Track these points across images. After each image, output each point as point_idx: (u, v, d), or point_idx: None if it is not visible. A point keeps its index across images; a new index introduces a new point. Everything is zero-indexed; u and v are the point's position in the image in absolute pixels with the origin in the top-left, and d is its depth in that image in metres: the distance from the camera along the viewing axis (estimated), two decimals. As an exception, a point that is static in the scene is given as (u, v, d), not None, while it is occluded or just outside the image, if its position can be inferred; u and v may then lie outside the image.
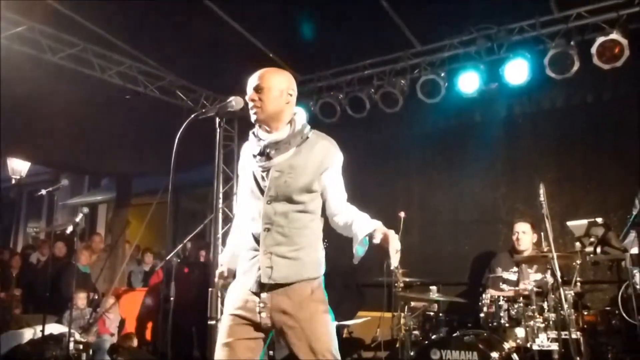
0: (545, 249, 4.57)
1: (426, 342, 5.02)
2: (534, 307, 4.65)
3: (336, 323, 5.41)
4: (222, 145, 7.76)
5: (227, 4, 5.79)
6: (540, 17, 5.79)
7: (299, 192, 2.55)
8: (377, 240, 2.46)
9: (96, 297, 7.26)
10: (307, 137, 2.62)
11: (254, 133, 2.66)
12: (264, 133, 2.61)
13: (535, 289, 4.73)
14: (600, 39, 5.43)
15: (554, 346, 4.44)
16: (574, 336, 4.36)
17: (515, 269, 5.33)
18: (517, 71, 5.94)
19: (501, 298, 4.89)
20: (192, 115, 2.46)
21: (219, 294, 2.43)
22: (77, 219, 5.74)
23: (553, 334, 4.49)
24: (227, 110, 2.51)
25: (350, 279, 6.34)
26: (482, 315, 4.98)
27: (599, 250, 3.91)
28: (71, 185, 13.88)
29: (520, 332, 4.73)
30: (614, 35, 5.36)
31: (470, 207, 6.85)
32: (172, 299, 5.68)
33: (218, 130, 2.49)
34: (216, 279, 2.60)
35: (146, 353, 7.01)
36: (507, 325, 4.82)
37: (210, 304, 2.22)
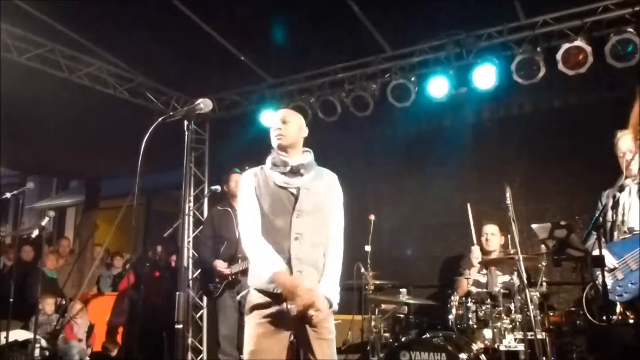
0: (512, 251, 4.64)
1: (396, 344, 5.06)
2: (501, 308, 4.73)
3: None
4: (194, 148, 7.76)
5: (198, 6, 5.76)
6: (508, 24, 5.89)
7: (321, 209, 3.06)
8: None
9: (63, 302, 7.14)
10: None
11: (274, 160, 3.08)
12: (288, 157, 3.07)
13: (502, 291, 4.81)
14: (565, 46, 5.55)
15: (521, 347, 4.52)
16: (540, 337, 4.45)
17: (484, 271, 5.41)
18: (485, 76, 6.02)
19: (469, 300, 4.96)
20: (160, 119, 2.45)
21: (188, 298, 2.42)
22: (44, 223, 5.65)
23: (520, 335, 4.56)
24: (195, 112, 2.50)
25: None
26: (450, 317, 5.03)
27: (561, 252, 3.99)
28: (38, 188, 13.66)
29: (488, 333, 4.80)
30: (579, 42, 5.49)
31: (439, 211, 6.91)
32: (140, 303, 5.60)
33: (186, 133, 2.48)
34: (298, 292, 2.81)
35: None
36: (475, 326, 4.88)
37: (177, 308, 2.21)
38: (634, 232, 3.71)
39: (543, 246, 4.45)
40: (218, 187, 5.58)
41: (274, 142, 3.09)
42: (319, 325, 2.91)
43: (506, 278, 5.14)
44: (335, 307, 2.99)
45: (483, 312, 4.85)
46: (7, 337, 5.31)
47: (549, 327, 4.73)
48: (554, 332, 4.84)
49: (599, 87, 5.99)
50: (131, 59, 6.87)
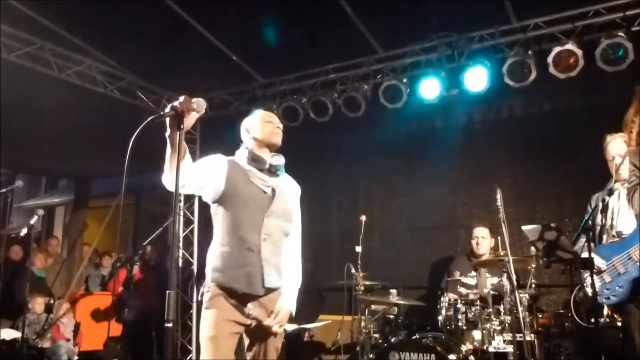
0: (502, 253, 4.66)
1: (385, 344, 5.06)
2: (491, 310, 4.75)
3: (297, 327, 5.44)
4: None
5: (189, 5, 5.74)
6: (500, 27, 5.92)
7: (288, 214, 3.07)
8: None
9: (52, 301, 7.10)
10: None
11: (252, 156, 3.04)
12: (267, 157, 3.06)
13: (492, 292, 4.83)
14: (557, 49, 5.58)
15: (509, 348, 4.54)
16: (528, 338, 4.47)
17: (473, 273, 5.43)
18: (476, 79, 6.04)
19: (459, 301, 4.98)
20: (149, 118, 2.42)
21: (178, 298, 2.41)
22: (32, 221, 5.61)
23: (508, 337, 4.59)
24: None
25: (311, 283, 6.35)
26: (440, 318, 5.05)
27: (551, 254, 4.01)
28: (27, 187, 13.57)
29: (477, 334, 4.82)
30: (570, 46, 5.52)
31: (430, 212, 6.95)
32: (130, 302, 5.58)
33: (178, 132, 2.46)
34: None
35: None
36: (464, 328, 4.91)
37: (167, 306, 2.19)
38: (622, 236, 3.74)
39: (533, 248, 4.48)
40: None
41: (273, 139, 3.09)
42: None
43: (496, 280, 5.15)
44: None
45: (472, 313, 4.88)
46: (-5, 337, 5.27)
47: (537, 329, 4.76)
48: (543, 334, 4.86)
49: (589, 91, 6.04)
50: (122, 58, 6.83)
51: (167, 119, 2.50)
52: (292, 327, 3.01)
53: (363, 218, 5.64)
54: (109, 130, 7.57)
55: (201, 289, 2.94)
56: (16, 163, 10.33)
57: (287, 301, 2.98)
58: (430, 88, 6.34)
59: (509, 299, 4.65)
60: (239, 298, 2.86)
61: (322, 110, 6.90)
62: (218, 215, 2.99)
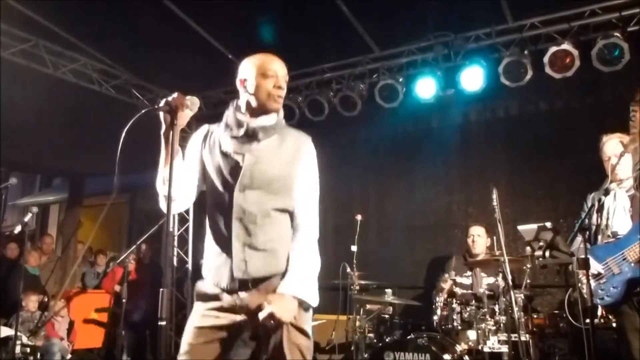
0: (498, 253, 4.66)
1: (380, 344, 5.05)
2: (486, 310, 4.75)
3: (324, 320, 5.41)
4: (179, 146, 7.70)
5: (185, 3, 5.72)
6: (496, 26, 5.92)
7: (274, 181, 2.42)
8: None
9: (46, 299, 7.07)
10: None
11: (227, 120, 2.57)
12: (252, 118, 2.49)
13: (487, 292, 4.83)
14: (553, 49, 5.58)
15: (504, 348, 4.54)
16: (523, 339, 4.47)
17: (469, 272, 5.42)
18: (472, 78, 6.05)
19: (454, 301, 4.97)
20: (143, 110, 2.39)
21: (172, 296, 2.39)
22: (26, 219, 5.57)
23: (503, 337, 4.58)
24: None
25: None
26: (435, 318, 5.05)
27: (547, 254, 4.00)
28: (22, 185, 13.53)
29: (472, 334, 4.82)
30: (566, 46, 5.53)
31: (426, 212, 6.95)
32: (124, 301, 5.55)
33: (172, 129, 2.44)
34: None
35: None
36: (459, 327, 4.90)
37: (160, 304, 2.17)
38: (618, 236, 3.73)
39: (528, 248, 4.47)
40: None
41: (269, 103, 2.50)
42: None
43: (491, 280, 5.16)
44: (314, 304, 2.47)
45: (467, 313, 4.87)
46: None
47: (532, 330, 4.76)
48: (537, 335, 4.87)
49: (585, 91, 6.04)
50: (117, 56, 6.81)
51: (162, 114, 2.46)
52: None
53: (358, 217, 5.63)
54: (104, 129, 7.52)
55: None
56: (10, 161, 10.27)
57: (288, 285, 2.33)
58: (426, 87, 6.35)
59: (504, 299, 4.64)
60: (214, 299, 2.41)
61: (318, 109, 6.90)
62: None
